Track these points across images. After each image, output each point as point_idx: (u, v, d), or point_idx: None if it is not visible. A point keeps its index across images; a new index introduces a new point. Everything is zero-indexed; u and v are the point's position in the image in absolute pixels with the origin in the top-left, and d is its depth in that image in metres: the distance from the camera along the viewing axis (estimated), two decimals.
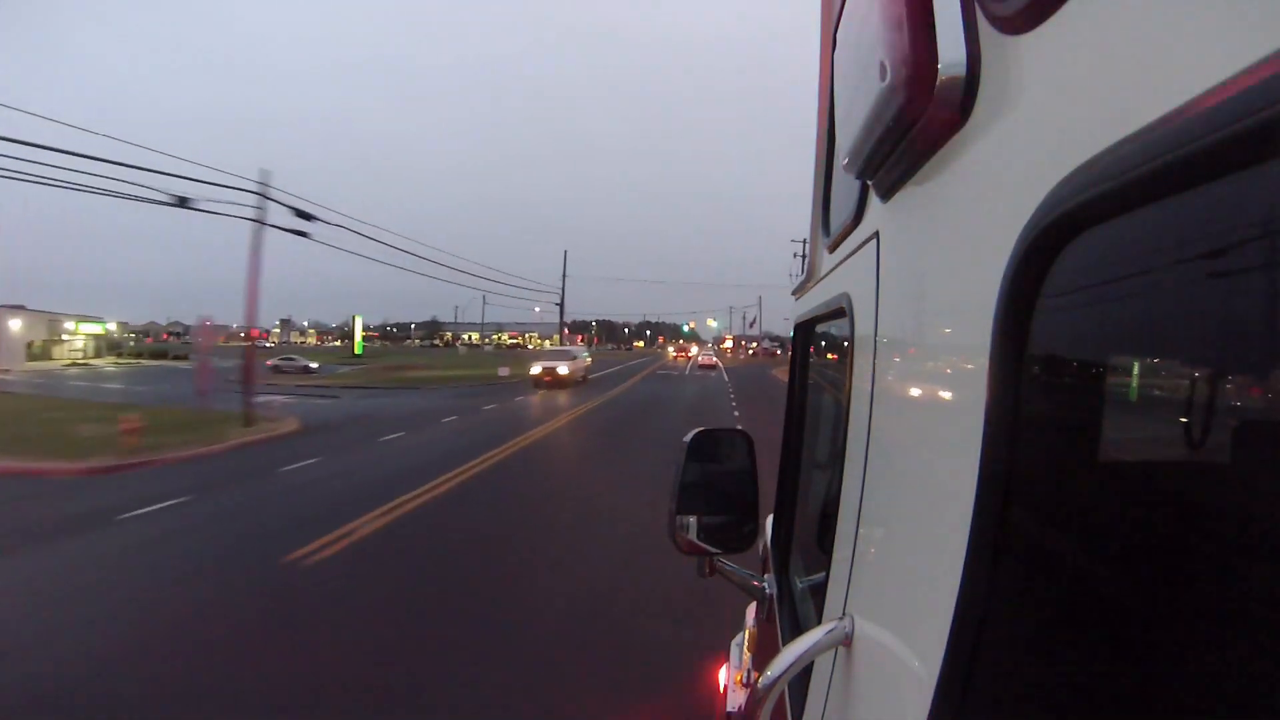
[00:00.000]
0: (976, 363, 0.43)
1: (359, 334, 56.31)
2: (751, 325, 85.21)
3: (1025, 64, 0.40)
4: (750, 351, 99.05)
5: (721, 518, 1.42)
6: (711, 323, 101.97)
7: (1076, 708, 0.36)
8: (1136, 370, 0.35)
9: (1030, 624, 0.41)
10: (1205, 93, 0.24)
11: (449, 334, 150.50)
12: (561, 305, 45.71)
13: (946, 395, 0.52)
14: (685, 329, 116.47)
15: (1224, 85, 0.23)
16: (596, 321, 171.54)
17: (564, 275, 46.51)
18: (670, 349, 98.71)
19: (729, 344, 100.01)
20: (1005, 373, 0.39)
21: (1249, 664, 0.26)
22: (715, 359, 54.94)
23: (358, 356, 56.13)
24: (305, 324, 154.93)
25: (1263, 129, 0.21)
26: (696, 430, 1.48)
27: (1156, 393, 0.33)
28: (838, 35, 0.83)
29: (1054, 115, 0.37)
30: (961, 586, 0.42)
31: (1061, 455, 0.40)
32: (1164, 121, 0.26)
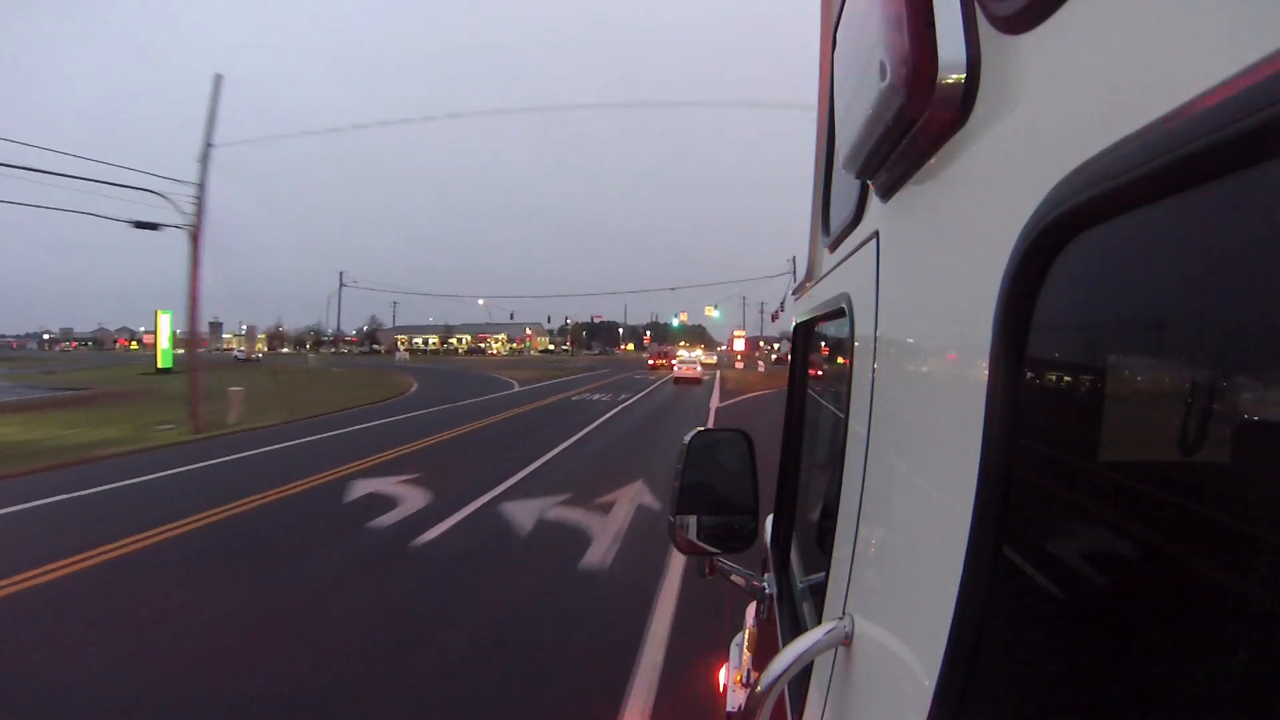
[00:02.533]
0: (976, 363, 0.43)
1: (164, 340, 33.48)
2: (776, 317, 48.48)
3: (1025, 64, 0.40)
4: (773, 355, 64.18)
5: (721, 518, 1.43)
6: (711, 312, 60.71)
7: (1076, 708, 0.36)
8: (1136, 370, 0.35)
9: (1030, 624, 0.41)
10: (1205, 93, 0.24)
11: (403, 338, 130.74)
12: (198, 226, 13.81)
13: (946, 395, 0.52)
14: (675, 323, 72.20)
15: (1224, 85, 0.23)
16: (573, 322, 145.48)
17: (206, 152, 14.23)
18: (646, 355, 67.42)
19: (740, 344, 60.34)
20: (1005, 373, 0.39)
21: (1249, 664, 0.26)
22: (700, 368, 35.04)
23: (163, 371, 33.52)
24: (244, 326, 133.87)
25: (1263, 129, 0.21)
26: (696, 430, 1.48)
27: (1156, 392, 0.33)
28: (838, 35, 0.83)
29: (1054, 115, 0.37)
30: (961, 586, 0.42)
31: (1061, 455, 0.40)
32: (1164, 121, 0.26)
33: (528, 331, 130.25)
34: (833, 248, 1.16)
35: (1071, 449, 0.39)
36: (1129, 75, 0.30)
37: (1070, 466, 0.39)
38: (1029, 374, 0.39)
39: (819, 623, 0.86)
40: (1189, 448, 0.30)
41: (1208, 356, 0.30)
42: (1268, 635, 0.24)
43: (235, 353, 55.77)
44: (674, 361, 42.92)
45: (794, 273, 34.31)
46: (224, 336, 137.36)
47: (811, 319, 1.45)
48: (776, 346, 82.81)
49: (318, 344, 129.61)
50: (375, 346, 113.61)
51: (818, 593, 1.00)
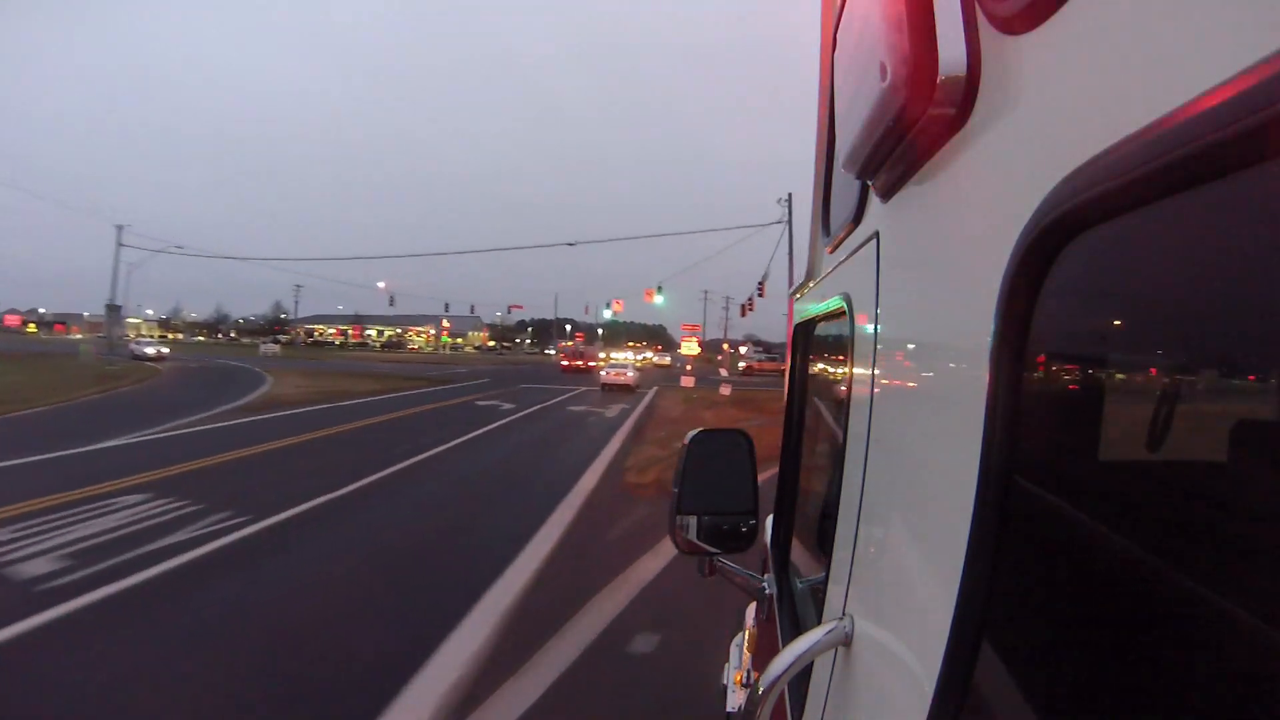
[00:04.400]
0: (977, 363, 0.43)
1: None
2: (747, 310, 31.47)
3: (1025, 64, 0.40)
4: (741, 364, 46.84)
5: (721, 518, 1.43)
6: (654, 297, 33.43)
7: (1076, 708, 0.36)
8: (1136, 370, 0.35)
9: (1030, 624, 0.41)
10: (1205, 93, 0.24)
11: (306, 328, 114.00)
12: None
13: (946, 395, 0.52)
14: (607, 314, 48.63)
15: (1224, 85, 0.23)
16: (502, 317, 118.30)
17: None
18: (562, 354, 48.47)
19: (695, 347, 43.33)
20: (1005, 373, 0.39)
21: (1249, 663, 0.26)
22: (632, 374, 26.16)
23: None
24: (149, 312, 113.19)
25: (1263, 129, 0.21)
26: (696, 430, 1.48)
27: (1156, 392, 0.33)
28: (838, 35, 0.83)
29: (1054, 115, 0.37)
30: (961, 586, 0.42)
31: (1061, 455, 0.40)
32: (1164, 121, 0.26)
33: (445, 324, 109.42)
34: (833, 248, 1.16)
35: (1071, 449, 0.39)
36: (1129, 75, 0.30)
37: (1070, 466, 0.39)
38: (1029, 374, 0.39)
39: (819, 623, 0.86)
40: (1188, 447, 0.30)
41: (1208, 356, 0.30)
42: (1268, 635, 0.24)
43: (132, 344, 38.12)
44: (603, 366, 30.74)
45: (789, 220, 19.05)
46: (130, 322, 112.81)
47: (811, 319, 1.45)
48: (746, 351, 57.37)
49: (215, 330, 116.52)
50: (279, 337, 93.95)
51: (818, 593, 1.00)
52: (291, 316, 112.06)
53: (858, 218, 0.91)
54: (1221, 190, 0.24)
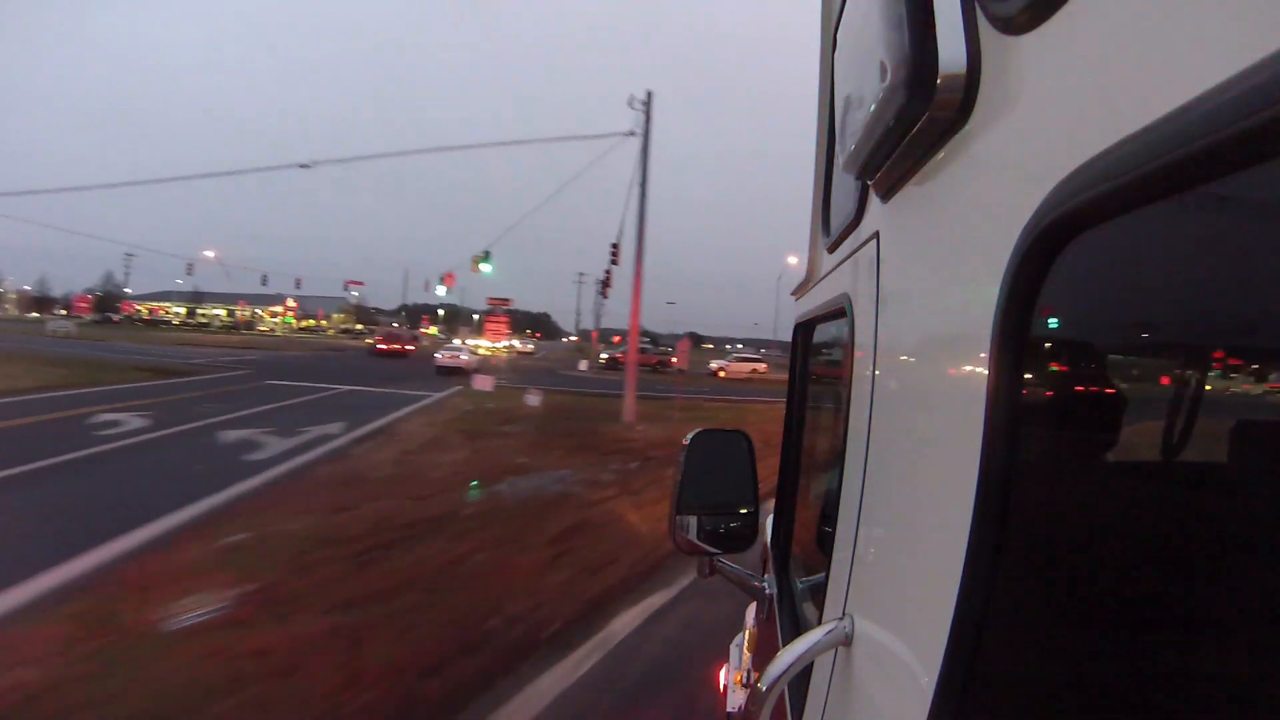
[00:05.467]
0: (977, 363, 0.43)
1: None
2: (606, 289, 18.46)
3: (1025, 64, 0.40)
4: (603, 356, 37.68)
5: (721, 518, 1.42)
6: (481, 267, 17.92)
7: (1076, 708, 0.36)
8: (1136, 370, 0.35)
9: (1030, 624, 0.41)
10: (1205, 93, 0.24)
11: (150, 305, 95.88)
12: None
13: (947, 395, 0.52)
14: (441, 290, 28.46)
15: (1224, 85, 0.23)
16: (355, 297, 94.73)
17: None
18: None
19: (502, 330, 37.06)
20: (1005, 373, 0.39)
21: (1249, 663, 0.26)
22: (466, 357, 25.42)
23: None
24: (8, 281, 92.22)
25: (1263, 129, 0.21)
26: (696, 430, 1.48)
27: (1155, 392, 0.33)
28: (838, 35, 0.83)
29: (1054, 115, 0.37)
30: (961, 586, 0.42)
31: (1061, 455, 0.40)
32: (1164, 121, 0.26)
33: (291, 303, 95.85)
34: (833, 248, 1.16)
35: (1071, 449, 0.39)
36: (1129, 75, 0.30)
37: (1070, 466, 0.39)
38: (1029, 374, 0.39)
39: (819, 623, 0.86)
40: (1188, 447, 0.30)
41: (1206, 356, 0.30)
42: (1266, 634, 0.24)
43: None
44: (435, 350, 28.19)
45: (645, 132, 13.82)
46: None
47: (812, 319, 1.45)
48: (620, 341, 45.73)
49: (47, 305, 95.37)
50: (109, 314, 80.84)
51: (818, 593, 1.00)
52: (128, 291, 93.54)
53: (858, 218, 0.91)
54: (1221, 190, 0.24)
